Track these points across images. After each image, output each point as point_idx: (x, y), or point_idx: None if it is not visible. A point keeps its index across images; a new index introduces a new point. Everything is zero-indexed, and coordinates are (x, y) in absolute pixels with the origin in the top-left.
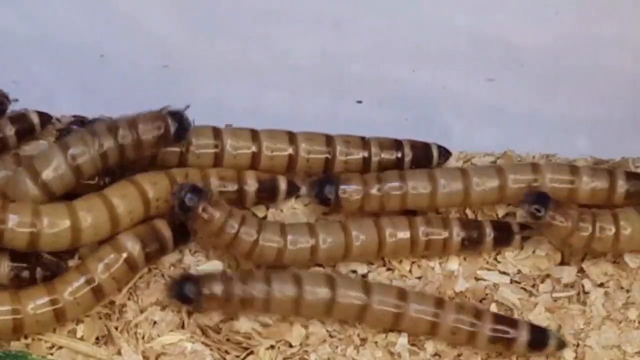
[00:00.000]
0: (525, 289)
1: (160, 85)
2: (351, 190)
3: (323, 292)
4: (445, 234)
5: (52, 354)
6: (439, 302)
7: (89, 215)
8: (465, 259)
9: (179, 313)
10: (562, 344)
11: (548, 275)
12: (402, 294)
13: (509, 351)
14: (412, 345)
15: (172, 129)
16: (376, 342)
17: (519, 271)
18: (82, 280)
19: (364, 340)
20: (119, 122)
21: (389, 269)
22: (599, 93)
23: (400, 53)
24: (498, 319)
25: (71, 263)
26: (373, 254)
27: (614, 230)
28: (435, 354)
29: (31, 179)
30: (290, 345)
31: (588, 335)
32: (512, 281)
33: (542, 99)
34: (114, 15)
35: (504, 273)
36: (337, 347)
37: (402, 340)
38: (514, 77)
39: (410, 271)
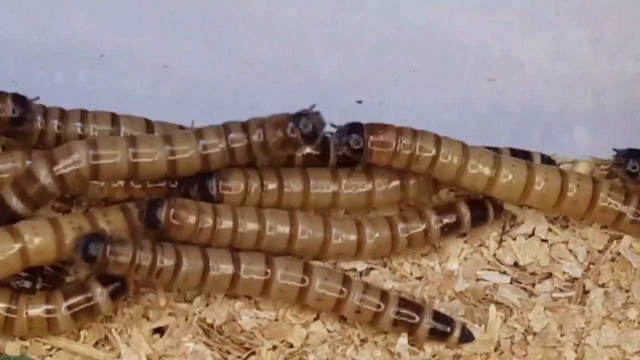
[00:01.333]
0: (525, 289)
1: (162, 86)
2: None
3: (229, 268)
4: (423, 226)
5: (50, 356)
6: (346, 280)
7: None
8: (465, 259)
9: (182, 315)
10: (468, 337)
11: (549, 275)
12: (308, 269)
13: (411, 336)
14: (412, 345)
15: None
16: (376, 342)
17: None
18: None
19: (363, 341)
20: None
21: (389, 269)
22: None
23: (400, 53)
24: (403, 303)
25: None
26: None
27: (433, 152)
28: (435, 355)
29: None
30: (291, 346)
31: (588, 335)
32: (512, 281)
33: (542, 99)
34: (114, 15)
35: (504, 273)
36: (337, 347)
37: (402, 340)
38: (514, 77)
39: (410, 272)
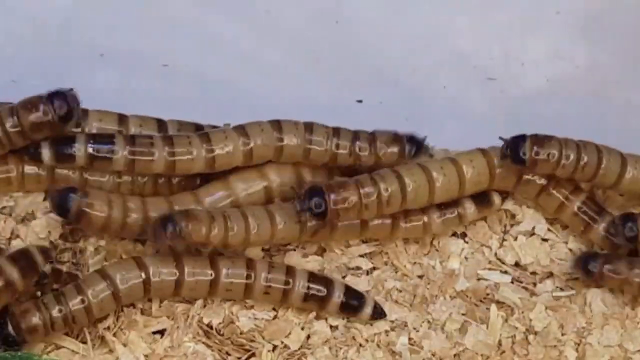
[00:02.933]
0: (526, 288)
1: (162, 85)
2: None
3: (136, 274)
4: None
5: (47, 354)
6: (250, 264)
7: None
8: (466, 258)
9: (183, 315)
10: (380, 314)
11: (550, 274)
12: (214, 263)
13: (323, 310)
14: (412, 344)
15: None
16: (377, 343)
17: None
18: None
19: (365, 340)
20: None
21: (391, 269)
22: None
23: (400, 52)
24: (312, 278)
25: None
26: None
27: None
28: (435, 354)
29: None
30: (289, 347)
31: (590, 334)
32: (513, 280)
33: (542, 99)
34: (114, 15)
35: (505, 273)
36: (339, 348)
37: (403, 339)
38: (515, 76)
39: (412, 271)
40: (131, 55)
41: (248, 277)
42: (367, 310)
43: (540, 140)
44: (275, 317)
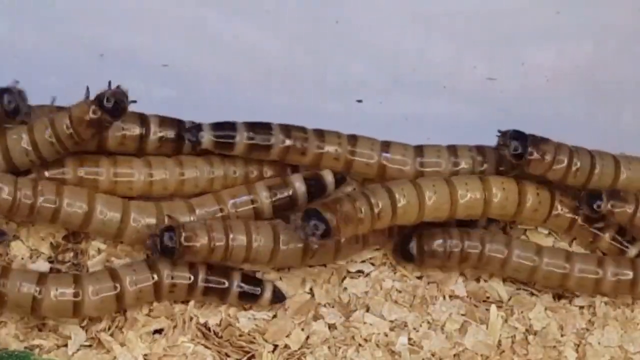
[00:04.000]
0: (526, 289)
1: (162, 85)
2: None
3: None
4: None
5: (47, 353)
6: (152, 266)
7: None
8: None
9: (181, 316)
10: (279, 297)
11: None
12: (115, 275)
13: (223, 301)
14: (412, 345)
15: None
16: (377, 343)
17: None
18: None
19: (365, 340)
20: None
21: (390, 269)
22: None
23: (400, 52)
24: (210, 270)
25: None
26: None
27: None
28: (435, 354)
29: None
30: (290, 347)
31: (591, 334)
32: (513, 281)
33: (542, 99)
34: (114, 15)
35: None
36: (338, 347)
37: (402, 339)
38: (515, 76)
39: (411, 271)
40: (131, 55)
41: (153, 278)
42: (267, 295)
43: (537, 141)
44: (274, 316)
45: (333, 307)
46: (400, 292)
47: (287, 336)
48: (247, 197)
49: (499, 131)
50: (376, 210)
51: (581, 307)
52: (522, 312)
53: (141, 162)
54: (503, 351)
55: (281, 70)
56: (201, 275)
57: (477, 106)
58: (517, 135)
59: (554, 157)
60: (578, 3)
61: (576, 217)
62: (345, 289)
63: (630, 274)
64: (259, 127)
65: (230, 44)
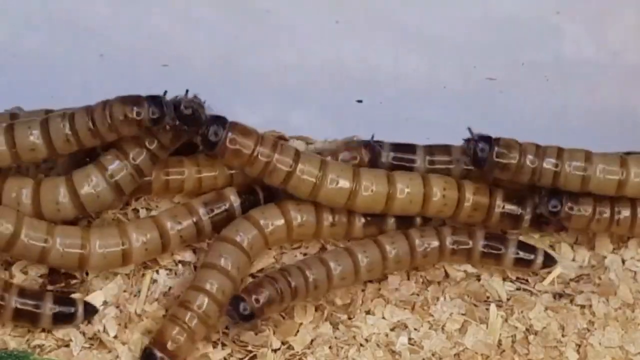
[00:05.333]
0: (526, 289)
1: (160, 85)
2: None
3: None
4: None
5: (47, 353)
6: (6, 288)
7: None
8: None
9: None
10: (92, 311)
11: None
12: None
13: (34, 325)
14: (412, 344)
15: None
16: (377, 343)
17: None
18: None
19: (365, 340)
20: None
21: None
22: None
23: (400, 52)
24: (22, 293)
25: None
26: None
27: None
28: (435, 354)
29: None
30: (293, 347)
31: (592, 335)
32: (513, 280)
33: (542, 98)
34: (113, 15)
35: (505, 272)
36: (340, 347)
37: (403, 339)
38: (515, 76)
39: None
40: (131, 55)
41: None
42: (80, 312)
43: (504, 143)
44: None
45: (334, 307)
46: (401, 292)
47: (291, 337)
48: (189, 218)
49: (469, 129)
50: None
51: (582, 307)
52: (522, 311)
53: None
54: (503, 351)
55: (281, 70)
56: (14, 298)
57: (477, 106)
58: (483, 138)
59: (520, 159)
60: (578, 3)
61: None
62: (348, 289)
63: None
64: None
65: (230, 45)
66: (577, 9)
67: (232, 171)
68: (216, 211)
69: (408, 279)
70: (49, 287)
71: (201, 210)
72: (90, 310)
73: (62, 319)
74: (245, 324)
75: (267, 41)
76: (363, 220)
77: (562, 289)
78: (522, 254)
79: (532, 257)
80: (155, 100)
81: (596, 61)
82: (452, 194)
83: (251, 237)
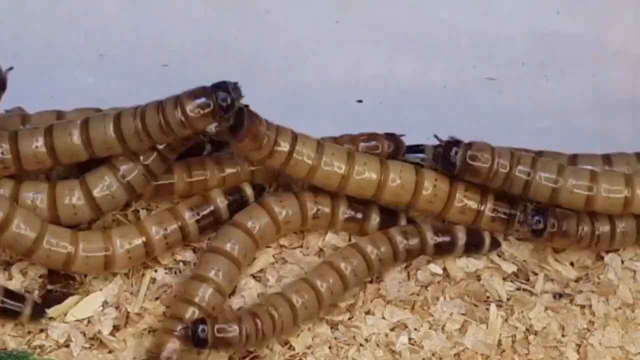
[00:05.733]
0: (526, 289)
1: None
2: None
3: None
4: None
5: (47, 354)
6: None
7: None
8: (467, 258)
9: None
10: (40, 313)
11: (551, 274)
12: None
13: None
14: (412, 344)
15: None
16: (377, 343)
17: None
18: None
19: (365, 340)
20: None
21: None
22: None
23: (400, 52)
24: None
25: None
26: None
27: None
28: (435, 353)
29: None
30: (294, 348)
31: (592, 335)
32: (513, 280)
33: (542, 98)
34: (114, 15)
35: (505, 272)
36: (340, 347)
37: (403, 339)
38: (515, 76)
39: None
40: (131, 55)
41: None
42: (27, 311)
43: (475, 147)
44: None
45: (334, 306)
46: (398, 290)
47: (297, 336)
48: (175, 224)
49: (435, 136)
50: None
51: (582, 307)
52: (522, 311)
53: None
54: (504, 351)
55: (281, 71)
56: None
57: (477, 106)
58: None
59: (493, 163)
60: (578, 3)
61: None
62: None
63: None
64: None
65: (230, 45)
66: (577, 8)
67: (253, 167)
68: (202, 214)
69: (408, 279)
70: (49, 287)
71: (187, 215)
72: (39, 312)
73: (8, 314)
74: (194, 348)
75: (267, 41)
76: (347, 214)
77: (562, 289)
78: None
79: (479, 242)
80: (222, 88)
81: (596, 61)
82: (443, 186)
83: (242, 244)
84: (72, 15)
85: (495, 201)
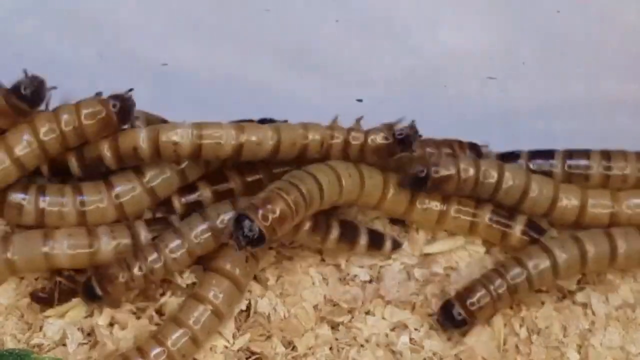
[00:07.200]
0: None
1: (162, 85)
2: None
3: None
4: None
5: (46, 352)
6: None
7: None
8: (469, 256)
9: None
10: None
11: None
12: None
13: None
14: (413, 344)
15: None
16: (378, 343)
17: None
18: None
19: (366, 340)
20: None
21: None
22: None
23: (400, 52)
24: None
25: None
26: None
27: None
28: (435, 353)
29: None
30: (296, 349)
31: (593, 335)
32: None
33: (542, 98)
34: (113, 15)
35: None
36: (341, 348)
37: (404, 338)
38: (515, 75)
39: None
40: (131, 55)
41: None
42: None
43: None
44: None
45: (335, 306)
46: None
47: (295, 338)
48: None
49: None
50: (308, 197)
51: (583, 307)
52: (524, 311)
53: None
54: (506, 351)
55: (281, 70)
56: None
57: (477, 106)
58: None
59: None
60: (578, 3)
61: (476, 219)
62: (348, 290)
63: None
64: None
65: (230, 44)
66: (576, 8)
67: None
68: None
69: (408, 279)
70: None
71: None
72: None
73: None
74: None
75: (267, 41)
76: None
77: (564, 289)
78: (373, 240)
79: (382, 242)
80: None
81: (596, 60)
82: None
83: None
84: (72, 15)
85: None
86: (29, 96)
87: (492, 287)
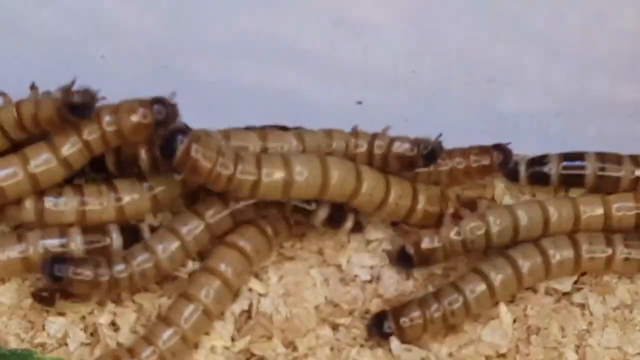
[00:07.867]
0: (527, 289)
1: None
2: None
3: None
4: None
5: (49, 352)
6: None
7: None
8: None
9: None
10: None
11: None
12: None
13: None
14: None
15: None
16: (378, 343)
17: None
18: None
19: (366, 340)
20: None
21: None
22: None
23: (401, 53)
24: None
25: None
26: None
27: None
28: (436, 353)
29: None
30: (297, 349)
31: (591, 336)
32: None
33: (542, 98)
34: (114, 16)
35: None
36: (341, 348)
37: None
38: (515, 77)
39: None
40: (132, 56)
41: None
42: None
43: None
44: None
45: (335, 307)
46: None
47: (296, 338)
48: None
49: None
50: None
51: (581, 308)
52: (524, 311)
53: None
54: (506, 350)
55: (282, 71)
56: None
57: (477, 107)
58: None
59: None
60: (577, 4)
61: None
62: (348, 291)
63: None
64: (608, 157)
65: (230, 44)
66: (576, 8)
67: None
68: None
69: (408, 278)
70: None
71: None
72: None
73: None
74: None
75: (267, 41)
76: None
77: (562, 290)
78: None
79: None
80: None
81: (595, 60)
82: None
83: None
84: (72, 16)
85: None
86: (80, 111)
87: (427, 311)
